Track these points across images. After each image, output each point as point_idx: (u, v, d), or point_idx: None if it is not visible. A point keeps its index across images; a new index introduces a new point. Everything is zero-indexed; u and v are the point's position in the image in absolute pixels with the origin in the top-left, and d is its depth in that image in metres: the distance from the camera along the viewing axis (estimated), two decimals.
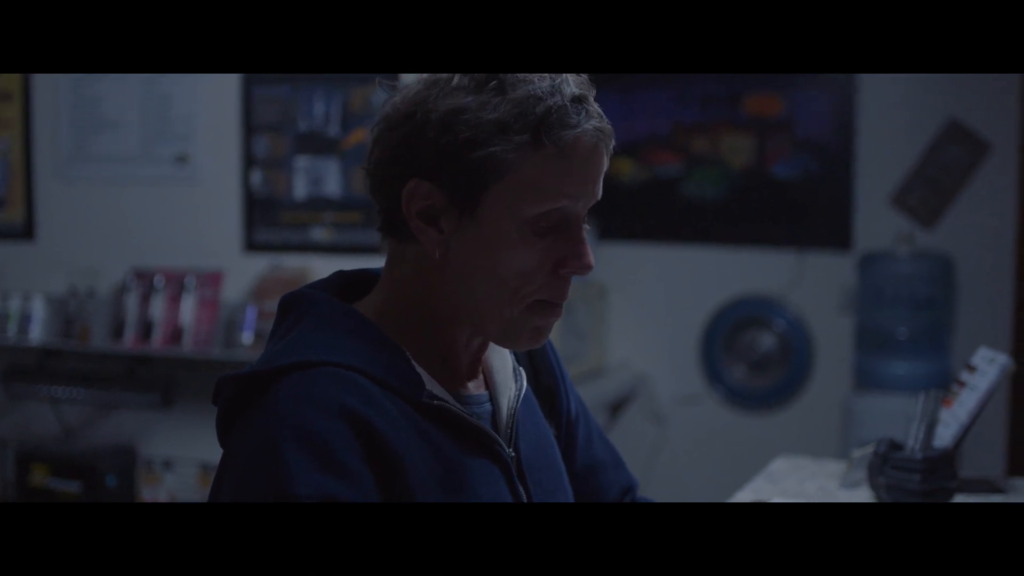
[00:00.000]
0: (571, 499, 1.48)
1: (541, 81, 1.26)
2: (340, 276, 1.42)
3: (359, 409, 1.22)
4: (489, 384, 1.42)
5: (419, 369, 1.31)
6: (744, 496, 2.21)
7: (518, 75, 1.26)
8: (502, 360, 1.44)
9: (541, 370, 1.52)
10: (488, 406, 1.39)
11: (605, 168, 1.31)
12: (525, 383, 1.44)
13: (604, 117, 1.30)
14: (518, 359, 1.48)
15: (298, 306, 1.35)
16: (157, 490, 4.24)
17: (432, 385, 1.31)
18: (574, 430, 1.54)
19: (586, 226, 1.33)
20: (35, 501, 4.14)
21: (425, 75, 1.31)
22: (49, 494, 4.13)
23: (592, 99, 1.29)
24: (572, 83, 1.27)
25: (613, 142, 1.31)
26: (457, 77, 1.27)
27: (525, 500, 1.38)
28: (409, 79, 1.33)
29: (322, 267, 3.88)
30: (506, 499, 1.35)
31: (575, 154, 1.27)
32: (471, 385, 1.39)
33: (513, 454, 1.38)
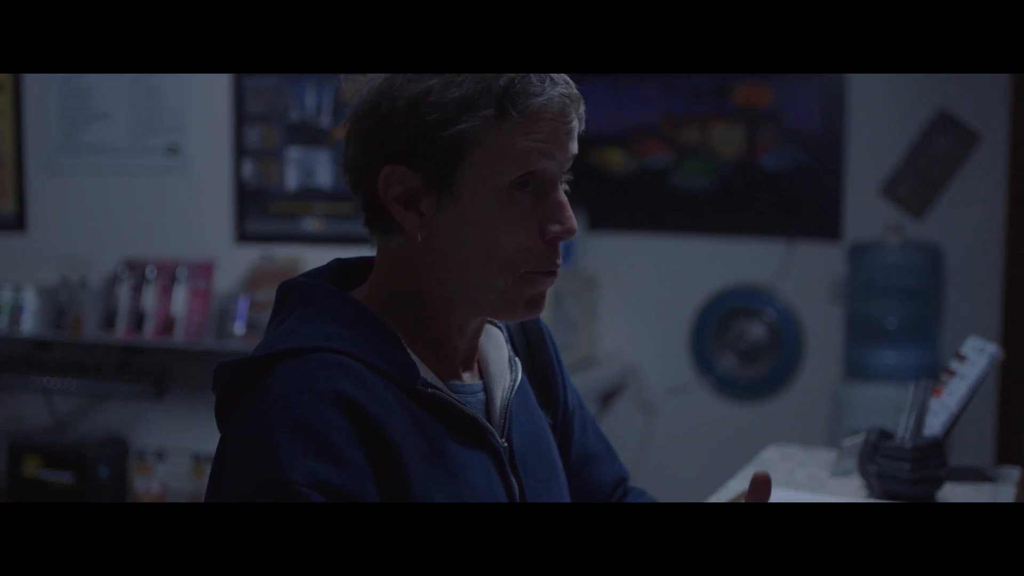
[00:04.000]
0: (565, 489, 1.48)
1: None
2: (338, 264, 1.43)
3: (354, 394, 1.23)
4: (484, 374, 1.42)
5: (413, 357, 1.32)
6: (735, 485, 2.22)
7: None
8: (498, 350, 1.45)
9: (539, 360, 1.53)
10: (481, 396, 1.40)
11: (577, 129, 1.32)
12: (520, 373, 1.44)
13: (571, 84, 1.31)
14: (515, 349, 1.49)
15: (295, 294, 1.36)
16: (149, 481, 4.24)
17: (426, 373, 1.32)
18: (570, 421, 1.55)
19: (565, 187, 1.33)
20: (27, 492, 4.14)
21: None
22: (41, 485, 4.14)
23: None
24: None
25: (583, 107, 1.32)
26: None
27: (516, 490, 1.38)
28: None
29: (313, 258, 3.88)
30: (498, 489, 1.35)
31: (542, 120, 1.28)
32: (465, 375, 1.40)
33: (506, 444, 1.39)
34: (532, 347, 1.53)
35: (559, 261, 1.33)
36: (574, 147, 1.33)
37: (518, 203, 1.29)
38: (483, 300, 1.33)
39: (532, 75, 1.27)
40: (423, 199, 1.30)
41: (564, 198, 1.32)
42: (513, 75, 1.26)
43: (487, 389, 1.41)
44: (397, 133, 1.28)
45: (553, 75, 1.29)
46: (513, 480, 1.38)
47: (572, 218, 1.32)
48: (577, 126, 1.32)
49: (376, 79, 1.31)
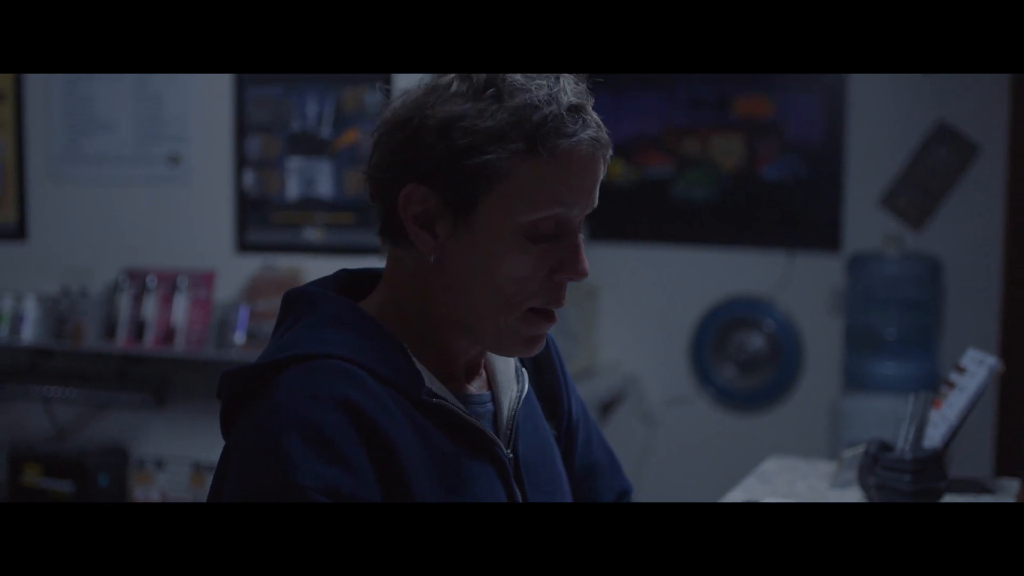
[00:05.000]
0: (568, 501, 1.48)
1: (539, 90, 1.27)
2: (344, 274, 1.43)
3: (359, 401, 1.23)
4: (492, 384, 1.43)
5: (419, 366, 1.33)
6: (735, 496, 2.23)
7: (516, 83, 1.27)
8: (505, 360, 1.45)
9: (544, 371, 1.53)
10: (490, 406, 1.41)
11: (601, 177, 1.32)
12: (527, 384, 1.45)
13: (602, 126, 1.31)
14: (522, 360, 1.49)
15: (301, 302, 1.37)
16: (149, 490, 4.24)
17: (432, 383, 1.32)
18: (574, 432, 1.55)
19: (580, 235, 1.34)
20: (27, 501, 4.14)
21: (424, 80, 1.32)
22: (41, 494, 4.13)
23: (590, 108, 1.30)
24: (570, 92, 1.28)
25: (611, 151, 1.32)
26: (456, 83, 1.28)
27: (521, 501, 1.38)
28: (403, 80, 1.35)
29: (314, 268, 3.89)
30: (501, 500, 1.36)
31: (570, 162, 1.28)
32: (473, 385, 1.40)
33: (511, 455, 1.39)
34: (538, 359, 1.53)
35: (563, 302, 1.33)
36: (596, 198, 1.33)
37: (533, 242, 1.29)
38: (482, 332, 1.33)
39: (566, 115, 1.26)
40: (440, 222, 1.30)
41: (580, 241, 1.32)
42: (547, 112, 1.26)
43: (495, 399, 1.42)
44: (425, 152, 1.28)
45: (585, 117, 1.28)
46: (517, 491, 1.38)
47: (585, 262, 1.32)
48: (603, 174, 1.32)
49: (411, 93, 1.31)
